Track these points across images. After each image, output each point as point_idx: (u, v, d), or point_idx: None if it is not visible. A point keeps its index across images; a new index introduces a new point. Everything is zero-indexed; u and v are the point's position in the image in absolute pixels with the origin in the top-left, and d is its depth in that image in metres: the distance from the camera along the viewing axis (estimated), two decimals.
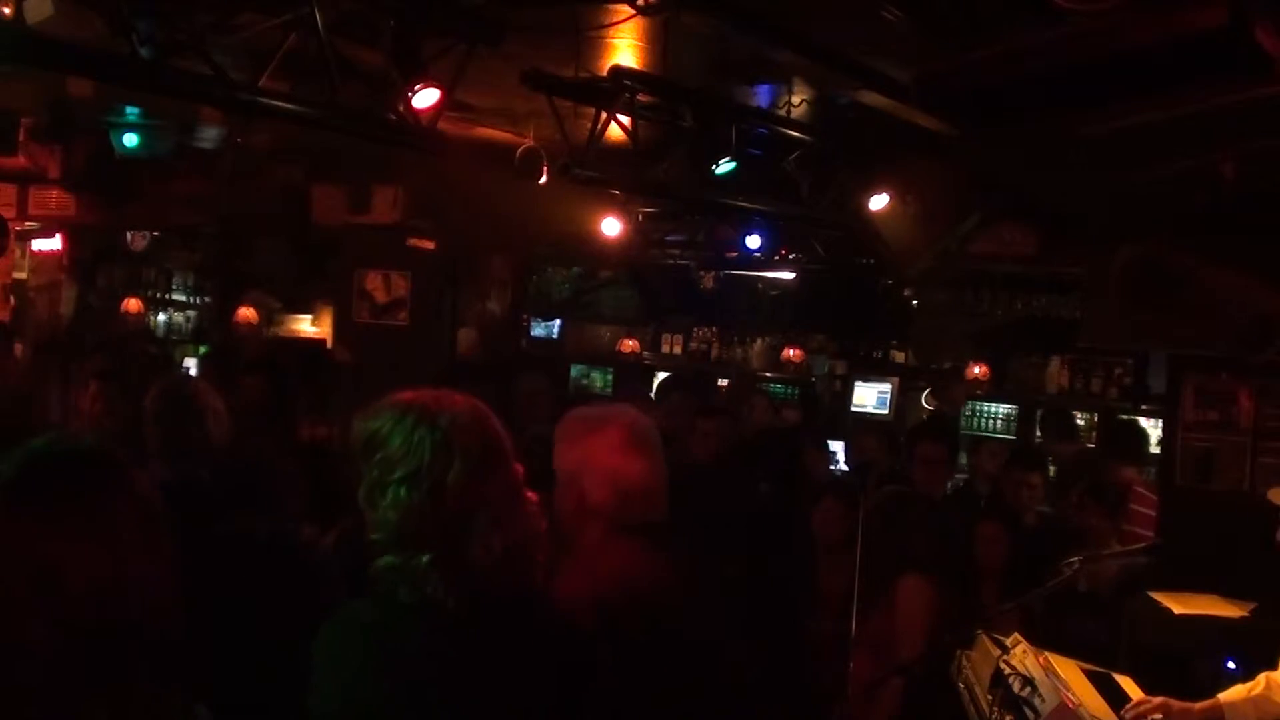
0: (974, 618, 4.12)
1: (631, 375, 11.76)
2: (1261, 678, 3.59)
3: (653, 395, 9.09)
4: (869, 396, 11.16)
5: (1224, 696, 3.58)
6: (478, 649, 2.08)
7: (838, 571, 4.81)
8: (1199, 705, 3.58)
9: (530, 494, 2.23)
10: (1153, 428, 8.00)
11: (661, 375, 11.13)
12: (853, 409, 11.04)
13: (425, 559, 2.04)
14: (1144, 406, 9.17)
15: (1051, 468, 6.83)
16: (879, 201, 7.24)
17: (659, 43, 5.55)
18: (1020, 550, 5.28)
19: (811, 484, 6.14)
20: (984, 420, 10.48)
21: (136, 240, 11.47)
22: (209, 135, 8.54)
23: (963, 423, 10.37)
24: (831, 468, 8.47)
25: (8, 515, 1.50)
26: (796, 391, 11.51)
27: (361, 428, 2.12)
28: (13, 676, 1.42)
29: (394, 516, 2.06)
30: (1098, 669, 3.75)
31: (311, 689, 2.04)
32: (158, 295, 12.12)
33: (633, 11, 4.81)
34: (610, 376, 12.49)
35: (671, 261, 11.52)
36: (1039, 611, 4.71)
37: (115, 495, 1.54)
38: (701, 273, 12.06)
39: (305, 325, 10.65)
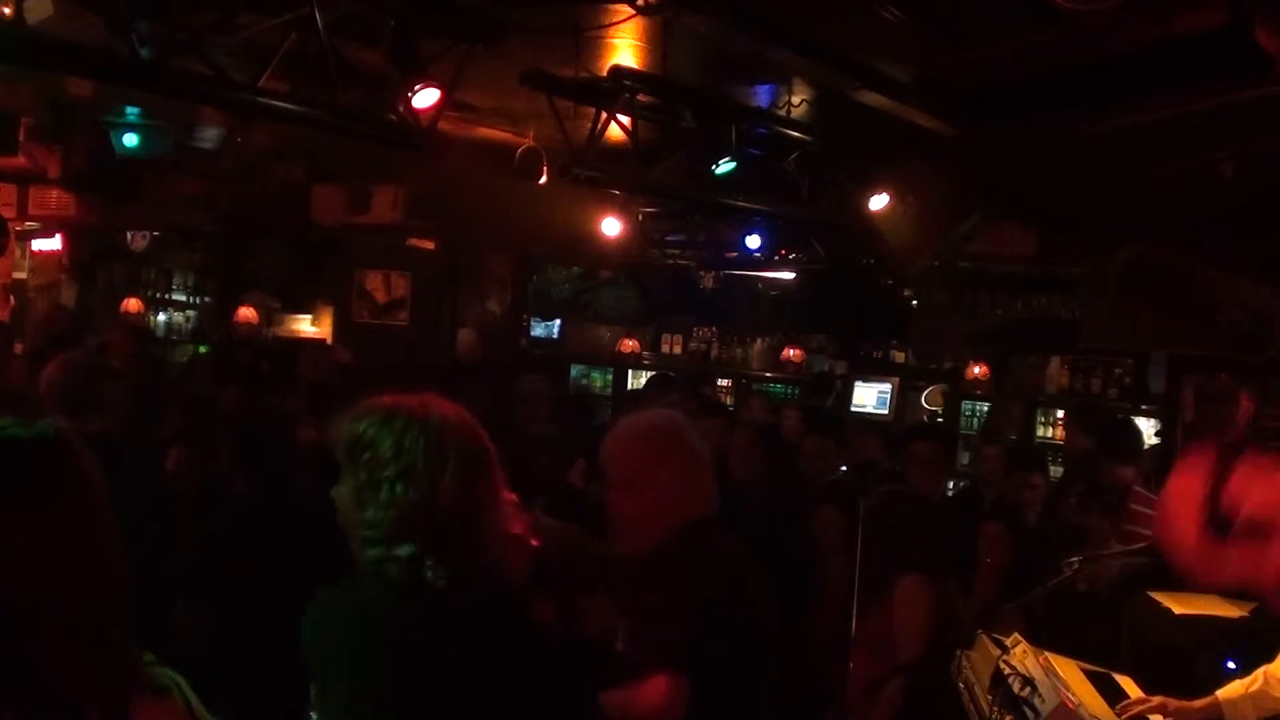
0: (976, 618, 4.12)
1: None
2: (1259, 673, 3.59)
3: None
4: (869, 396, 11.16)
5: (1222, 694, 3.59)
6: (462, 631, 2.14)
7: (837, 571, 4.81)
8: (1197, 703, 3.58)
9: (510, 495, 2.31)
10: (1152, 427, 8.00)
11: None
12: (853, 409, 11.04)
13: (411, 548, 2.11)
14: (1144, 406, 9.18)
15: (1053, 468, 6.81)
16: (879, 201, 7.24)
17: (659, 43, 5.55)
18: (1024, 551, 5.28)
19: (811, 481, 6.12)
20: (984, 420, 10.47)
21: (136, 240, 11.46)
22: (209, 135, 8.53)
23: (962, 423, 10.38)
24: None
25: None
26: (796, 391, 11.51)
27: (345, 430, 2.18)
28: None
29: (391, 515, 2.11)
30: (1098, 669, 3.75)
31: (307, 655, 2.13)
32: (158, 295, 12.12)
33: (633, 11, 4.81)
34: (610, 376, 12.49)
35: (671, 261, 11.52)
36: (1039, 611, 4.70)
37: (54, 477, 1.54)
38: (701, 273, 12.05)
39: (305, 325, 10.65)
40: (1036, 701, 3.28)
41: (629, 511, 2.84)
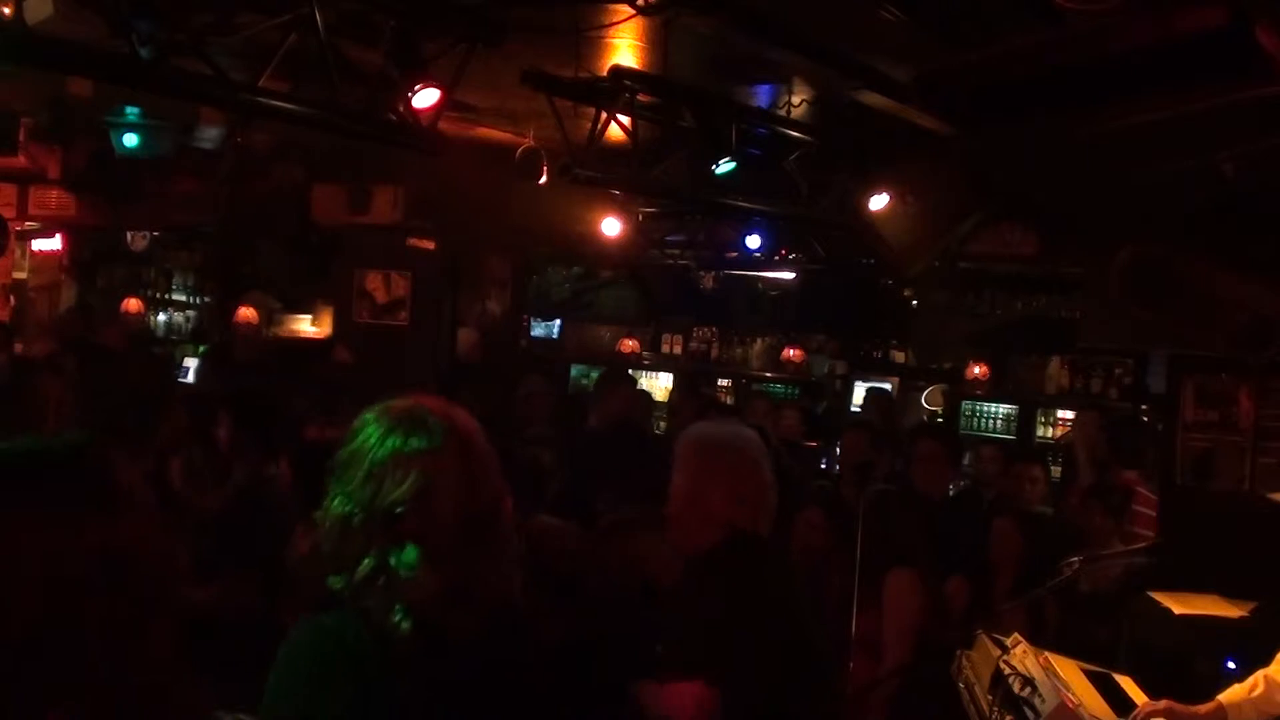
0: (985, 616, 4.12)
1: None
2: (1259, 678, 3.59)
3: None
4: None
5: (1225, 698, 3.58)
6: (455, 669, 1.95)
7: (833, 571, 4.80)
8: (1202, 708, 3.57)
9: (508, 509, 2.07)
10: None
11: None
12: (853, 409, 11.04)
13: (410, 560, 1.88)
14: (1144, 406, 9.18)
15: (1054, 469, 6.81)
16: (879, 201, 7.23)
17: (659, 43, 5.55)
18: (1036, 547, 5.27)
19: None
20: (984, 420, 10.47)
21: (136, 240, 11.47)
22: (209, 135, 8.53)
23: (962, 423, 10.38)
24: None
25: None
26: (796, 391, 11.51)
27: (354, 438, 1.96)
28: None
29: (373, 519, 1.89)
30: (1098, 669, 3.75)
31: (269, 695, 1.90)
32: (158, 295, 12.12)
33: (633, 11, 4.82)
34: None
35: (671, 261, 11.52)
36: (1048, 612, 4.70)
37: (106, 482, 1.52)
38: (701, 273, 12.06)
39: (305, 325, 10.65)
40: (1036, 701, 3.28)
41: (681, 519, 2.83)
